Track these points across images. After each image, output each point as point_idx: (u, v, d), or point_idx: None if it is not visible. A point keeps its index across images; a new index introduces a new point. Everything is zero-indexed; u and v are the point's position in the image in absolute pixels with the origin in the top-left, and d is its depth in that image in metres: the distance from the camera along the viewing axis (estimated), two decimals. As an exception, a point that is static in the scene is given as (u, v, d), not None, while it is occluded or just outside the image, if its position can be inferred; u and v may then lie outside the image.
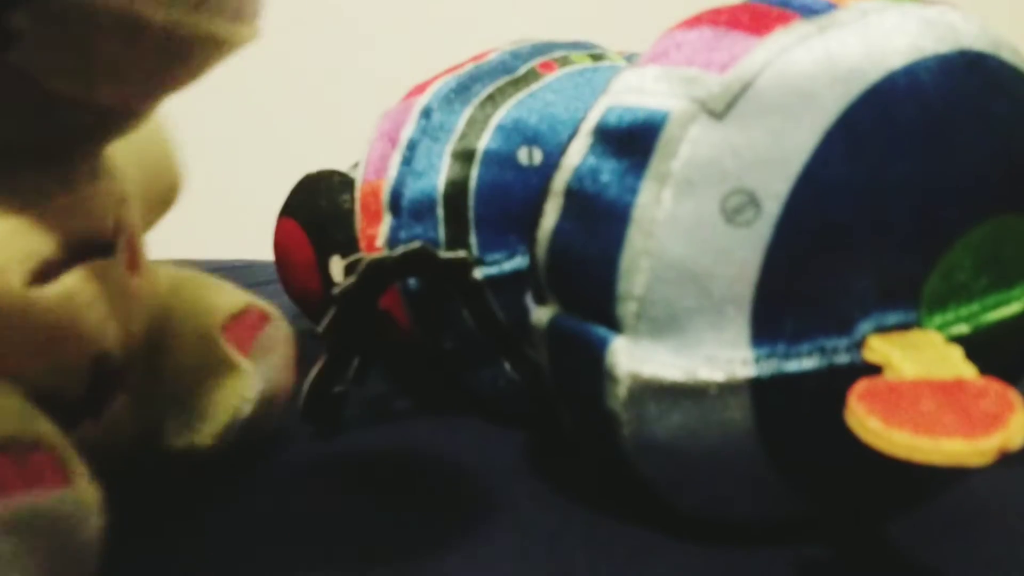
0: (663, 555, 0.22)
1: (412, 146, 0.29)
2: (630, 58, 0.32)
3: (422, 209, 0.29)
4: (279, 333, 0.28)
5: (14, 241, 0.19)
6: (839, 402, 0.18)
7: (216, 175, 0.84)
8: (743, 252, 0.19)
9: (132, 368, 0.24)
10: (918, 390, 0.17)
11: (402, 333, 0.31)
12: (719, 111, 0.19)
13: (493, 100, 0.29)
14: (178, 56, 0.19)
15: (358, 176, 0.31)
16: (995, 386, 0.17)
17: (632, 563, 0.22)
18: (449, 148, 0.29)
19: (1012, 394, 0.17)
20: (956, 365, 0.18)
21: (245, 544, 0.23)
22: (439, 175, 0.28)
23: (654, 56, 0.21)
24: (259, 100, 0.85)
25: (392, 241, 0.29)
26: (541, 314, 0.23)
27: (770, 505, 0.22)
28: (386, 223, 0.30)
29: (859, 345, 0.20)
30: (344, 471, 0.27)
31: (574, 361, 0.22)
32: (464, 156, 0.28)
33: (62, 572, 0.17)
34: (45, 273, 0.20)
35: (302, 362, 0.30)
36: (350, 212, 0.36)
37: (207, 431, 0.25)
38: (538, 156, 0.28)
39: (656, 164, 0.19)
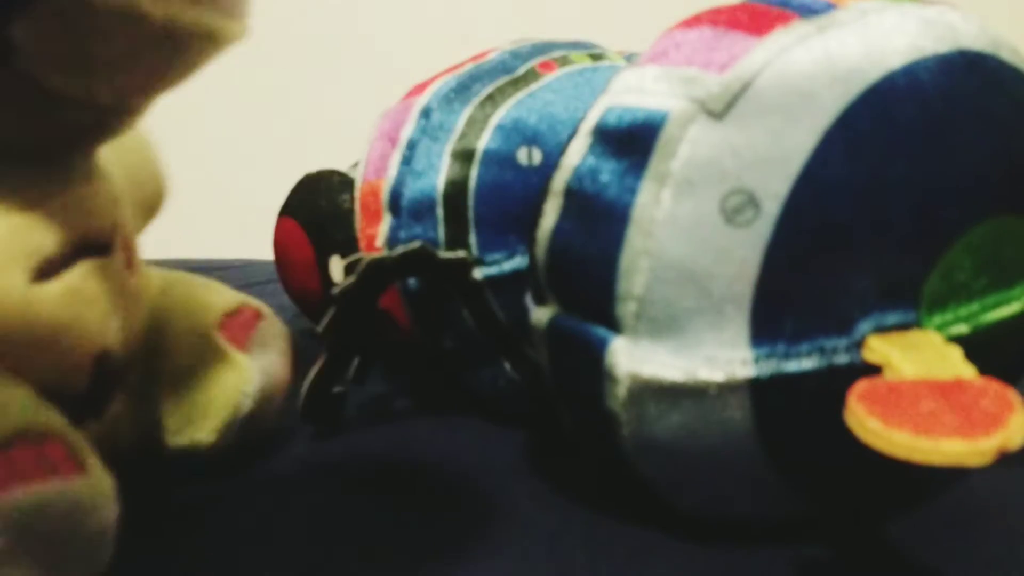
0: (663, 555, 0.22)
1: (412, 146, 0.29)
2: (630, 58, 0.32)
3: (422, 209, 0.29)
4: (274, 329, 0.28)
5: (17, 238, 0.19)
6: (839, 402, 0.18)
7: (216, 174, 0.84)
8: (742, 252, 0.19)
9: (132, 368, 0.24)
10: (918, 390, 0.17)
11: (402, 333, 0.31)
12: (718, 111, 0.19)
13: (493, 100, 0.29)
14: (175, 51, 0.19)
15: (358, 176, 0.31)
16: (994, 386, 0.17)
17: (632, 563, 0.22)
18: (449, 148, 0.29)
19: (1011, 394, 0.17)
20: (956, 365, 0.18)
21: (245, 544, 0.23)
22: (439, 175, 0.28)
23: (653, 56, 0.21)
24: (259, 100, 0.85)
25: (392, 241, 0.29)
26: (541, 314, 0.23)
27: (770, 505, 0.22)
28: (386, 223, 0.30)
29: (859, 345, 0.20)
30: (344, 471, 0.27)
31: (574, 361, 0.22)
32: (464, 156, 0.28)
33: (78, 559, 0.18)
34: (47, 270, 0.20)
35: (302, 362, 0.30)
36: (350, 212, 0.36)
37: (208, 428, 0.25)
38: (537, 156, 0.28)
39: (655, 164, 0.19)
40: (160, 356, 0.25)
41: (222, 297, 0.27)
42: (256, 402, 0.26)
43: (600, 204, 0.20)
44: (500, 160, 0.28)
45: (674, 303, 0.20)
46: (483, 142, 0.28)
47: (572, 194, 0.21)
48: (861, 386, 0.17)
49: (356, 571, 0.21)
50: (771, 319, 0.19)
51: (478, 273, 0.28)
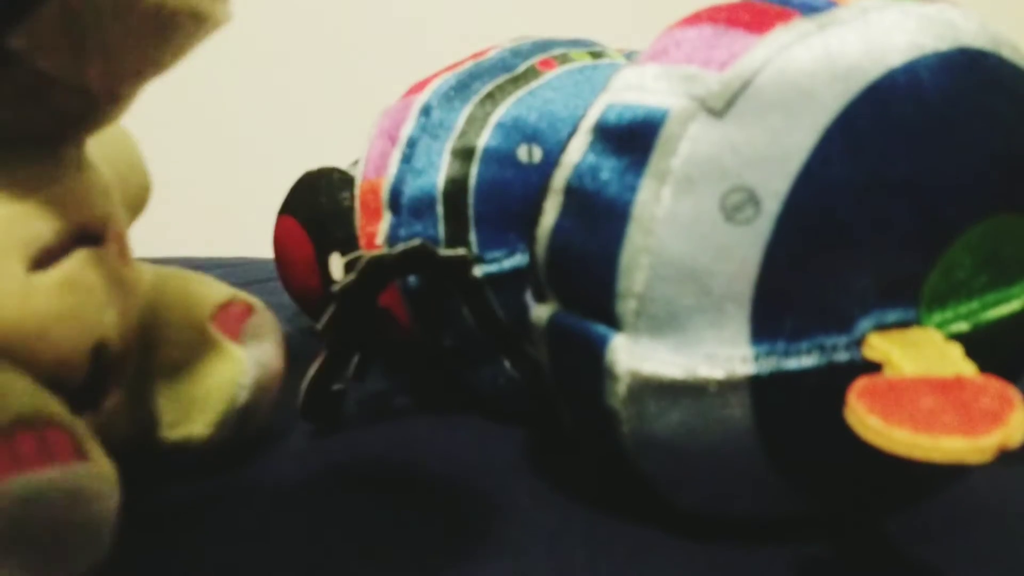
0: (663, 553, 0.22)
1: (412, 144, 0.29)
2: (630, 56, 0.32)
3: (422, 207, 0.29)
4: (265, 321, 0.28)
5: (14, 227, 0.19)
6: (839, 400, 0.18)
7: (216, 172, 0.84)
8: (743, 250, 0.19)
9: (128, 360, 0.24)
10: (918, 388, 0.17)
11: (402, 331, 0.31)
12: (719, 109, 0.19)
13: (493, 98, 0.29)
14: (164, 33, 0.19)
15: (358, 174, 0.31)
16: (994, 384, 0.17)
17: (632, 561, 0.22)
18: (449, 146, 0.29)
19: (1011, 392, 0.17)
20: (956, 363, 0.18)
21: (244, 543, 0.23)
22: (439, 173, 0.28)
23: (654, 54, 0.21)
24: (260, 98, 0.85)
25: (392, 239, 0.29)
26: (541, 312, 0.23)
27: (770, 502, 0.22)
28: (386, 221, 0.30)
29: (859, 343, 0.20)
30: (343, 469, 0.27)
31: (574, 359, 0.22)
32: (464, 154, 0.28)
33: (78, 547, 0.18)
34: (45, 260, 0.20)
35: (301, 360, 0.30)
36: (350, 210, 0.36)
37: (205, 420, 0.25)
38: (538, 154, 0.28)
39: (656, 162, 0.19)
40: (154, 349, 0.25)
41: (214, 290, 0.27)
42: (252, 393, 0.26)
43: (600, 202, 0.20)
44: (500, 158, 0.28)
45: (674, 301, 0.20)
46: (483, 140, 0.28)
47: (572, 192, 0.21)
48: (861, 384, 0.17)
49: (356, 570, 0.21)
50: (771, 317, 0.19)
51: (478, 271, 0.28)
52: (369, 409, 0.33)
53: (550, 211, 0.22)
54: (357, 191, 0.31)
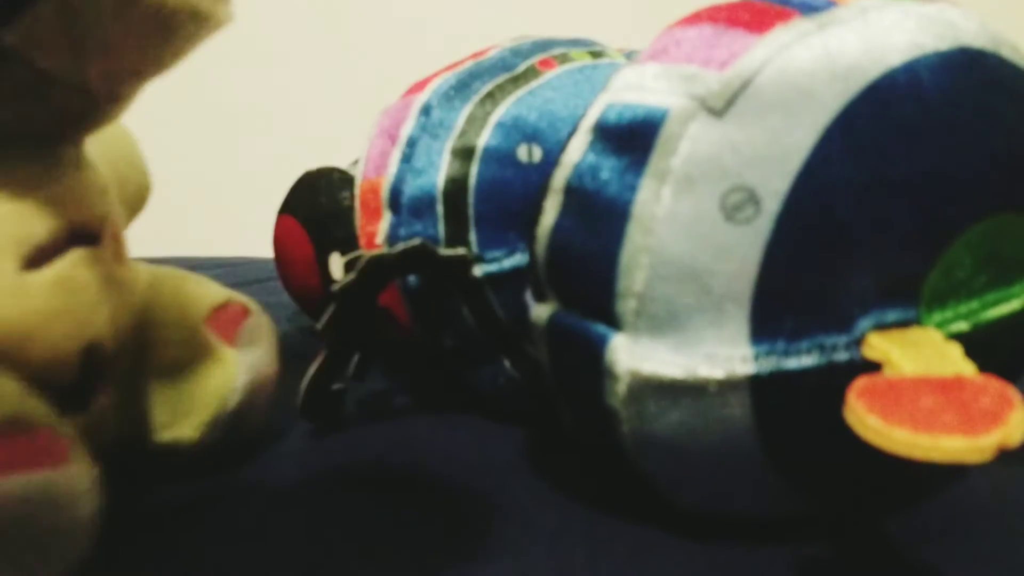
0: (663, 552, 0.22)
1: (412, 143, 0.29)
2: (630, 55, 0.32)
3: (422, 206, 0.29)
4: (261, 324, 0.28)
5: (8, 225, 0.19)
6: (838, 399, 0.18)
7: (216, 172, 0.84)
8: (743, 249, 0.19)
9: (120, 360, 0.24)
10: (917, 387, 0.17)
11: (402, 330, 0.31)
12: (719, 108, 0.19)
13: (493, 97, 0.29)
14: (165, 32, 0.19)
15: (358, 173, 0.31)
16: (994, 383, 0.17)
17: (632, 560, 0.22)
18: (449, 145, 0.29)
19: (1011, 391, 0.17)
20: (955, 362, 0.18)
21: (243, 543, 0.23)
22: (439, 172, 0.28)
23: (654, 53, 0.21)
24: (260, 97, 0.85)
25: (392, 238, 0.29)
26: (541, 311, 0.23)
27: (770, 502, 0.22)
28: (386, 220, 0.30)
29: (859, 342, 0.20)
30: (343, 469, 0.27)
31: (574, 358, 0.22)
32: (464, 153, 0.28)
33: (54, 550, 0.17)
34: (38, 258, 0.20)
35: (301, 360, 0.30)
36: (350, 209, 0.36)
37: (194, 423, 0.25)
38: (538, 153, 0.28)
39: (656, 161, 0.19)
40: (148, 350, 0.25)
41: (210, 291, 0.27)
42: (244, 397, 0.26)
43: (600, 201, 0.20)
44: (500, 157, 0.28)
45: (674, 300, 0.19)
46: (483, 139, 0.28)
47: (572, 191, 0.21)
48: (861, 383, 0.17)
49: (356, 570, 0.21)
50: (771, 316, 0.19)
51: (478, 270, 0.28)
52: (369, 409, 0.33)
53: (550, 211, 0.22)
54: (357, 191, 0.31)
